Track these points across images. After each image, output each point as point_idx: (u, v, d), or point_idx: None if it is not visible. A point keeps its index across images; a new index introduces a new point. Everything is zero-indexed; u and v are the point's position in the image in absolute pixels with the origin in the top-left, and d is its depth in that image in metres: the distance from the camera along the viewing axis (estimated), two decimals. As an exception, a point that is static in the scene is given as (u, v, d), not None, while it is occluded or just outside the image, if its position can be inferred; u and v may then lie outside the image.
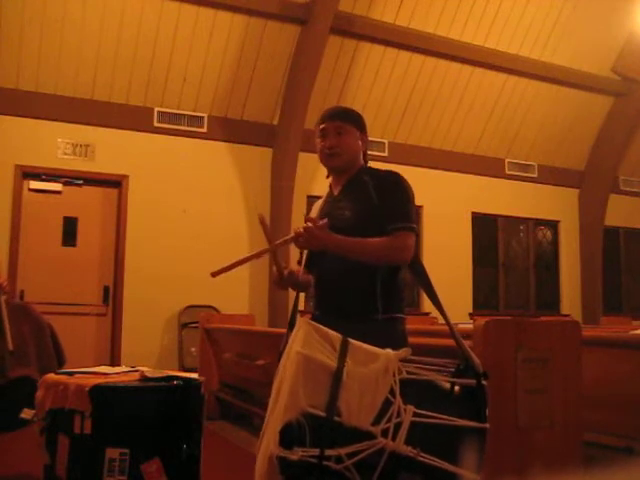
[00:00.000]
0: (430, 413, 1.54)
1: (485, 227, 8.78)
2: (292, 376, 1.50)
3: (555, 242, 9.34)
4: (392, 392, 1.54)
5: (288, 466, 1.42)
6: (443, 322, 1.85)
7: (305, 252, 2.07)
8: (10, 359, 3.38)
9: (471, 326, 2.48)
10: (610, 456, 2.63)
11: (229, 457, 4.14)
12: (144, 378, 2.48)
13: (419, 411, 1.53)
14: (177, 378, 2.54)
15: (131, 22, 6.50)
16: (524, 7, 8.04)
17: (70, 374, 2.61)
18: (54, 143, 6.47)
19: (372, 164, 2.18)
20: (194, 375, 2.76)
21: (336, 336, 1.63)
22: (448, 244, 8.18)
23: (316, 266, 2.05)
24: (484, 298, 8.67)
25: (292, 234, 1.89)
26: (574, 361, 2.53)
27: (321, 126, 2.08)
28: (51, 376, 2.64)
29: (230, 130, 7.25)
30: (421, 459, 1.48)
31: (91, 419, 2.29)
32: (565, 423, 2.46)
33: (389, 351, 1.64)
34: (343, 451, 1.44)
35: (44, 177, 6.44)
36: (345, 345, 1.60)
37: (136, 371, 2.64)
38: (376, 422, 1.49)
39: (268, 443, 1.48)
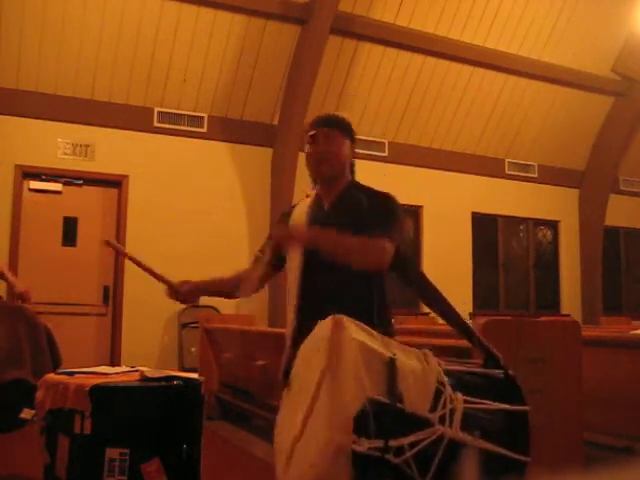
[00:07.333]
0: (478, 400, 1.55)
1: (485, 227, 8.77)
2: (352, 363, 1.46)
3: (555, 242, 9.34)
4: (439, 382, 1.55)
5: (356, 458, 1.39)
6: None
7: (297, 256, 2.00)
8: (3, 362, 3.37)
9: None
10: (610, 456, 2.63)
11: (229, 457, 4.14)
12: (144, 378, 2.48)
13: (467, 398, 1.55)
14: (177, 378, 2.53)
15: (131, 22, 6.50)
16: (524, 7, 8.03)
17: (70, 374, 2.60)
18: (54, 143, 6.46)
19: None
20: (194, 375, 2.76)
21: (373, 330, 1.62)
22: (448, 244, 8.18)
23: (310, 278, 1.98)
24: (484, 298, 8.66)
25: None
26: (574, 361, 2.53)
27: (311, 132, 2.04)
28: (51, 376, 2.63)
29: (230, 130, 7.24)
30: (478, 444, 1.48)
31: (91, 419, 2.28)
32: (565, 423, 2.46)
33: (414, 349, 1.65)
34: (406, 440, 1.43)
35: (44, 177, 6.44)
36: (386, 337, 1.61)
37: (136, 371, 2.64)
38: (431, 410, 1.50)
39: (331, 434, 1.40)
